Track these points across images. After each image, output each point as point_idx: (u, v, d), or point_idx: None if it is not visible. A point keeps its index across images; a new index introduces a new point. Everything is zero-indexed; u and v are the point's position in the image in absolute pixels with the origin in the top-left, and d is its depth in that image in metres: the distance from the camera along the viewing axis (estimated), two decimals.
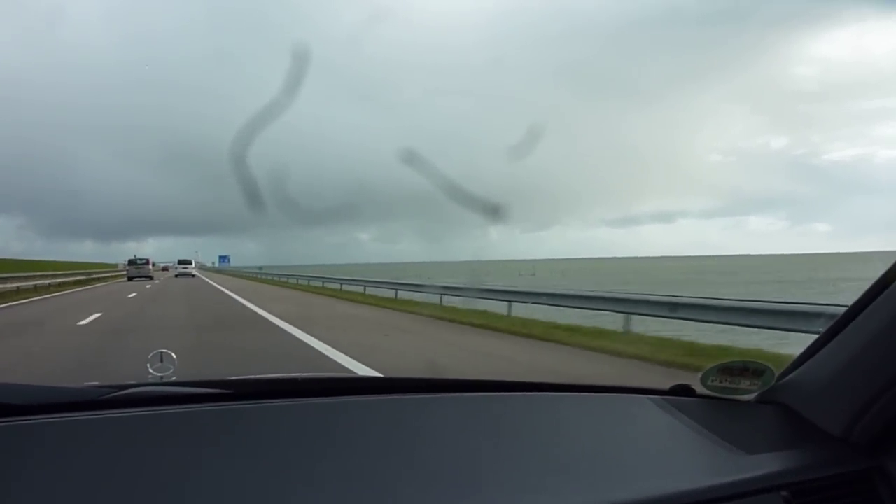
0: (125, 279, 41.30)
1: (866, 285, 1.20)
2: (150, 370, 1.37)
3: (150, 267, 47.95)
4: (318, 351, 7.94)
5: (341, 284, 25.14)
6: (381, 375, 1.41)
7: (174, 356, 1.41)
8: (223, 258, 71.55)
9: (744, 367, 1.34)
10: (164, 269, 65.97)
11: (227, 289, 25.50)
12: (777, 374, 1.34)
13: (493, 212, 1.57)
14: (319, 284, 28.31)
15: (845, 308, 1.25)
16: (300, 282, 30.88)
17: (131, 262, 46.69)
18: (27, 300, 20.44)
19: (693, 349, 7.48)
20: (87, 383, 1.19)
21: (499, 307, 12.86)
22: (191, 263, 53.26)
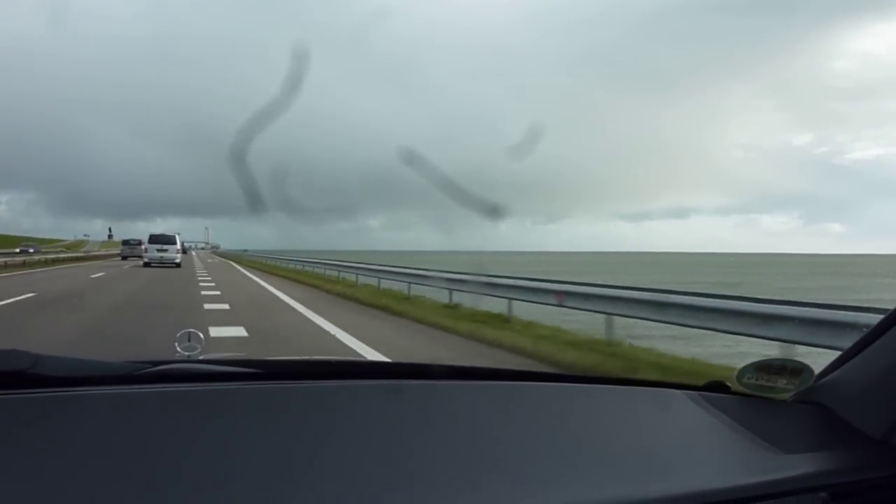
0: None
1: None
2: (178, 348, 1.39)
3: (143, 248, 39.71)
4: None
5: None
6: (413, 362, 1.41)
7: (201, 335, 1.43)
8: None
9: (782, 366, 1.31)
10: None
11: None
12: (816, 373, 1.32)
13: (493, 211, 1.57)
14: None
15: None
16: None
17: (124, 243, 47.37)
18: None
19: None
20: (121, 359, 1.20)
21: None
22: (173, 243, 33.33)
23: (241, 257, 54.60)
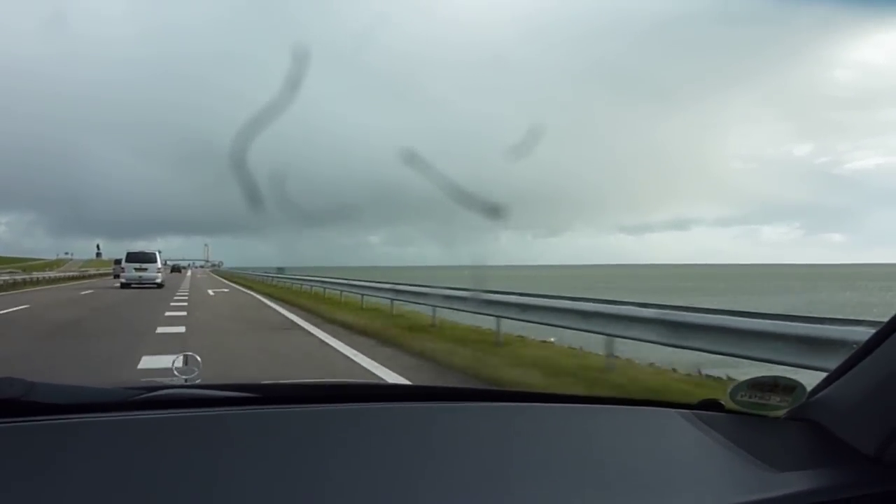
0: None
1: None
2: (176, 372, 1.39)
3: (121, 267, 37.47)
4: None
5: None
6: (410, 383, 1.41)
7: (199, 359, 1.43)
8: None
9: (774, 383, 1.31)
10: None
11: None
12: (808, 390, 1.32)
13: (493, 212, 1.57)
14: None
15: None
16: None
17: (116, 262, 44.63)
18: None
19: None
20: (116, 384, 1.20)
21: None
22: (153, 261, 29.85)
23: (274, 286, 30.26)
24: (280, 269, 35.46)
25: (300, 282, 26.94)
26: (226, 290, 30.19)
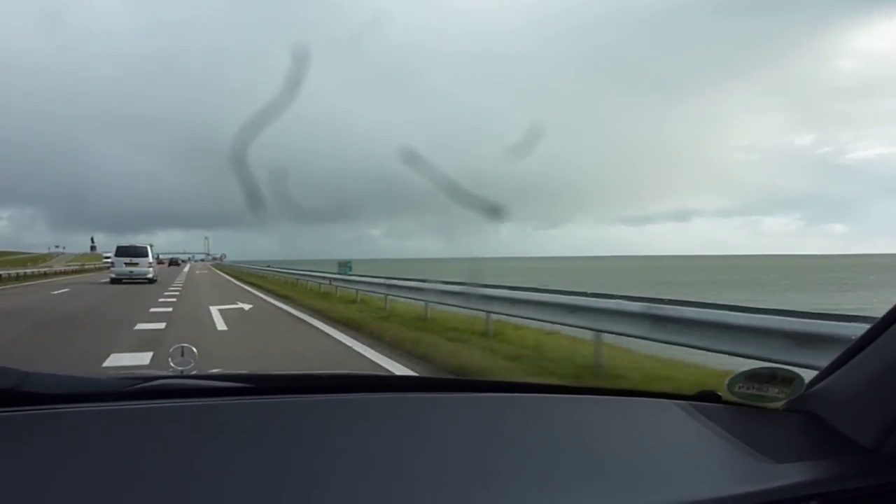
0: None
1: None
2: (172, 363, 1.39)
3: (110, 262, 33.21)
4: None
5: None
6: (405, 374, 1.42)
7: (195, 350, 1.43)
8: None
9: (772, 374, 1.32)
10: (159, 262, 42.41)
11: None
12: (807, 382, 1.32)
13: (494, 211, 1.57)
14: None
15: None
16: None
17: (106, 257, 44.95)
18: None
19: None
20: (111, 375, 1.21)
21: None
22: (144, 255, 28.88)
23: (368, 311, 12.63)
24: (345, 266, 22.39)
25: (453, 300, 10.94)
26: (245, 306, 15.51)
